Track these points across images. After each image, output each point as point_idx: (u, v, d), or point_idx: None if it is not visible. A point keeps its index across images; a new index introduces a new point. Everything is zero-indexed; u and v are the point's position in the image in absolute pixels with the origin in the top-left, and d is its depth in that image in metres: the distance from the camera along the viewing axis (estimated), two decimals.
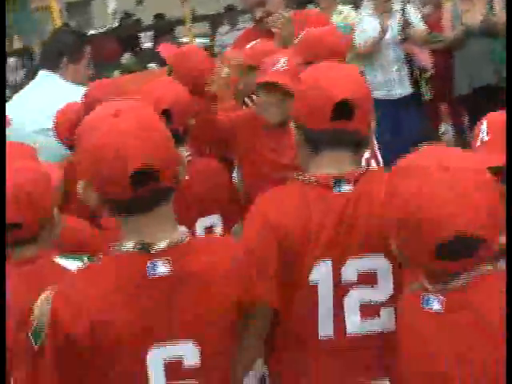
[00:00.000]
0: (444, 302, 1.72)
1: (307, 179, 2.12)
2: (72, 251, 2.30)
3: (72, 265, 2.13)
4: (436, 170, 1.65)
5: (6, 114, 3.61)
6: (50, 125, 3.60)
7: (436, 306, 1.72)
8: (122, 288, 1.77)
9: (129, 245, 1.79)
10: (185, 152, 2.98)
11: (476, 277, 1.72)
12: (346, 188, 2.09)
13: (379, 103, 6.50)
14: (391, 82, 6.49)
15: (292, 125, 2.20)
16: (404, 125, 6.41)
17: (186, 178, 2.81)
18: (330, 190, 2.09)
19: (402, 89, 6.47)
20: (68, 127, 3.31)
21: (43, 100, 3.80)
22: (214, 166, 3.14)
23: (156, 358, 1.77)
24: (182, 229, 1.88)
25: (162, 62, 4.05)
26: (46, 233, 2.25)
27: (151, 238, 1.79)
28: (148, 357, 1.77)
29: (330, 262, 2.08)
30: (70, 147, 3.43)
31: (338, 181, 2.09)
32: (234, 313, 1.88)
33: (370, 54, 6.47)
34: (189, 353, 1.80)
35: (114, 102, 1.83)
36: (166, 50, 3.97)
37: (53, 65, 3.97)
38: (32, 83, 4.15)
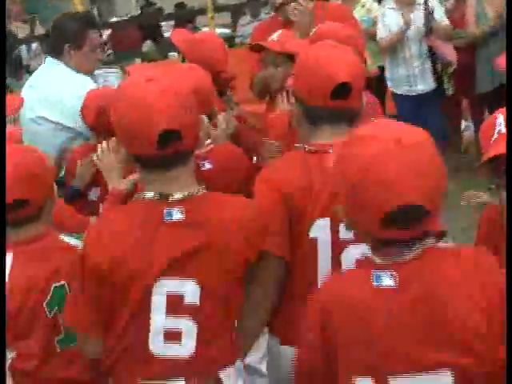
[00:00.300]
0: (396, 276, 1.72)
1: (308, 148, 2.32)
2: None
3: (78, 243, 2.29)
4: (391, 141, 1.69)
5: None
6: (44, 113, 3.62)
7: (387, 281, 1.72)
8: (140, 229, 2.05)
9: (149, 194, 2.07)
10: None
11: (423, 250, 1.74)
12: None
13: (401, 98, 6.49)
14: (414, 77, 6.43)
15: (292, 99, 2.38)
16: (425, 120, 6.35)
17: (209, 166, 2.87)
18: (328, 156, 2.26)
19: (424, 85, 6.41)
20: (95, 112, 3.33)
21: (42, 88, 3.80)
22: (236, 152, 3.11)
23: (160, 290, 2.04)
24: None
25: (177, 50, 3.95)
26: (47, 210, 2.37)
27: (169, 190, 2.05)
28: (154, 287, 2.04)
29: (328, 220, 2.27)
30: (94, 130, 3.44)
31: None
32: (238, 262, 2.09)
33: (392, 48, 6.42)
34: (190, 290, 2.05)
35: (148, 70, 2.08)
36: (178, 36, 3.85)
37: (56, 52, 3.96)
38: (40, 69, 4.16)
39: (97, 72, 6.82)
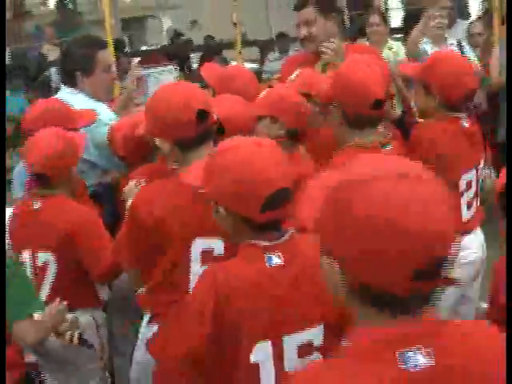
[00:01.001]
0: (281, 255, 2.17)
1: (362, 143, 3.16)
2: None
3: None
4: (252, 146, 2.18)
5: None
6: None
7: (276, 260, 2.17)
8: (176, 198, 2.66)
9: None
10: None
11: (292, 233, 2.21)
12: (390, 147, 3.20)
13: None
14: None
15: (333, 107, 3.21)
16: None
17: None
18: (379, 150, 3.15)
19: None
20: (122, 141, 3.39)
21: None
22: None
23: (196, 247, 2.66)
24: None
25: (206, 84, 3.92)
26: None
27: None
28: (192, 245, 2.65)
29: None
30: (124, 160, 3.49)
31: (384, 144, 3.20)
32: None
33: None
34: (217, 246, 2.66)
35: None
36: (208, 70, 3.83)
37: (70, 81, 3.92)
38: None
39: (150, 71, 6.66)
